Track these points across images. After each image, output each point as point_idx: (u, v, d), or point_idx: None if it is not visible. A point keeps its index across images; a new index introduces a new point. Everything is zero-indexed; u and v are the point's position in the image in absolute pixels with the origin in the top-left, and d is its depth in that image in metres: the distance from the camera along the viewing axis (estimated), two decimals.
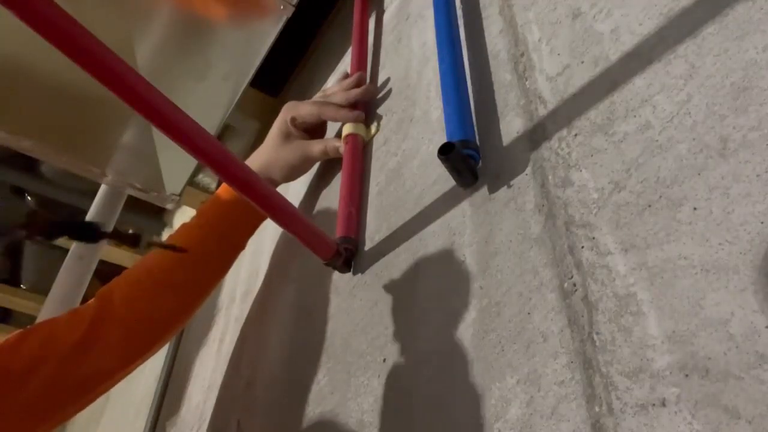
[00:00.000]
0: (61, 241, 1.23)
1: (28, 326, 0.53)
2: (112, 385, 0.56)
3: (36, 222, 0.38)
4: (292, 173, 0.65)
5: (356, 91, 0.63)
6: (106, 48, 0.31)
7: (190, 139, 0.37)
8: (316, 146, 0.63)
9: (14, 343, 0.50)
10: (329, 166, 0.67)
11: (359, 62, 0.68)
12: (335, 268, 0.51)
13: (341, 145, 0.60)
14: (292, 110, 0.64)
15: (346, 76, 0.68)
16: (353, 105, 0.63)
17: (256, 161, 0.65)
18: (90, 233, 0.39)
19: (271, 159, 0.64)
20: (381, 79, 0.65)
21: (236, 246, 0.63)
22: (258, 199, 0.43)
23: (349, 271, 0.50)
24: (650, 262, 0.26)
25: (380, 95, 0.63)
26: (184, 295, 0.59)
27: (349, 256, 0.50)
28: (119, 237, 0.49)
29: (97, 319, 0.54)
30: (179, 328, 0.61)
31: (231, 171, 0.40)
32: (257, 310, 0.69)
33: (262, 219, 0.63)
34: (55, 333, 0.52)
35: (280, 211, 0.45)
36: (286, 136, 0.64)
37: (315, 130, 0.66)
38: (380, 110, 0.61)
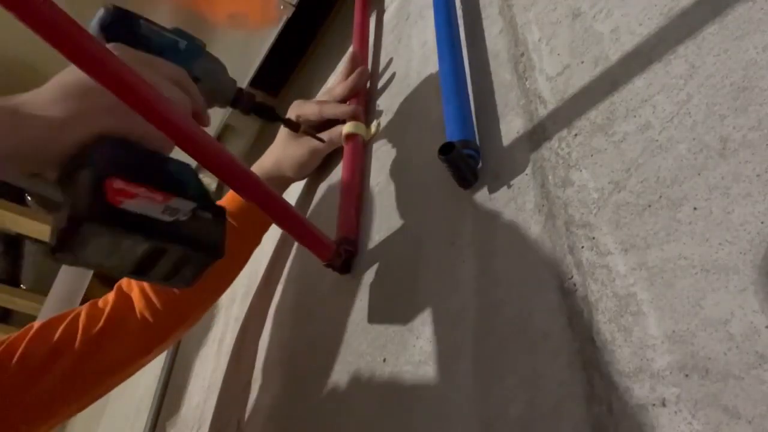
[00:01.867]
0: None
1: (50, 317, 0.55)
2: (127, 377, 0.58)
3: (243, 97, 0.52)
4: (302, 169, 0.66)
5: (352, 77, 0.64)
6: (106, 49, 0.31)
7: (188, 139, 0.37)
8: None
9: (35, 334, 0.52)
10: (329, 165, 0.67)
11: (361, 62, 0.68)
12: (334, 269, 0.50)
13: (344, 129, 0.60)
14: (297, 109, 0.66)
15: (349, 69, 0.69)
16: (354, 95, 0.64)
17: (267, 160, 0.66)
18: (272, 115, 0.55)
19: (281, 157, 0.65)
20: (381, 79, 0.65)
21: (251, 241, 0.64)
22: (257, 199, 0.43)
23: (349, 272, 0.50)
24: (650, 262, 0.26)
25: (380, 95, 0.63)
26: (201, 290, 0.60)
27: (348, 257, 0.50)
28: (288, 122, 0.59)
29: (115, 312, 0.56)
30: (194, 322, 0.63)
31: (229, 172, 0.40)
32: (257, 310, 0.69)
33: None
34: (75, 325, 0.54)
35: (278, 212, 0.45)
36: (293, 134, 0.65)
37: (322, 127, 0.66)
38: (380, 110, 0.61)
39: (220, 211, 0.37)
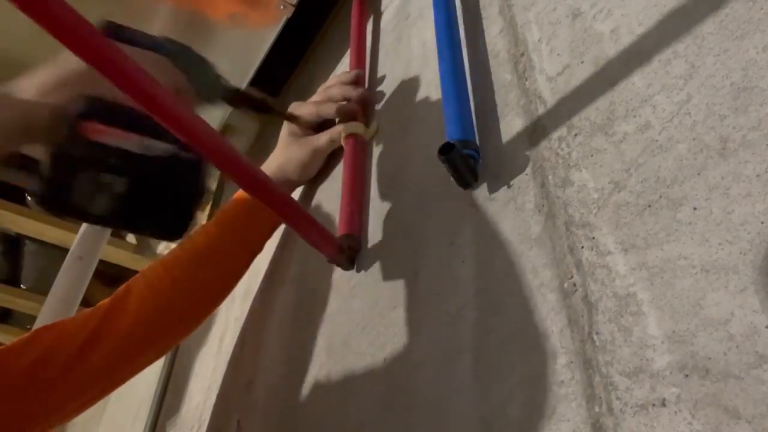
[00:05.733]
0: (61, 242, 1.23)
1: (47, 324, 0.54)
2: (118, 385, 0.57)
3: (237, 97, 0.57)
4: (306, 170, 0.66)
5: (353, 94, 0.63)
6: (114, 44, 0.31)
7: (193, 133, 0.36)
8: (322, 137, 0.64)
9: (26, 341, 0.51)
10: (329, 166, 0.67)
11: (358, 64, 0.68)
12: (339, 265, 0.50)
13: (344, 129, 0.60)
14: (294, 111, 0.65)
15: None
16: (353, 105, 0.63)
17: (270, 165, 0.66)
18: (264, 107, 0.60)
19: (284, 160, 0.65)
20: (381, 79, 0.65)
21: (253, 247, 0.64)
22: (262, 195, 0.43)
23: (353, 268, 0.50)
24: (650, 262, 0.26)
25: (380, 95, 0.63)
26: (201, 295, 0.60)
27: (352, 253, 0.50)
28: (286, 115, 0.65)
29: (108, 316, 0.55)
30: (194, 328, 0.62)
31: (236, 167, 0.40)
32: (257, 309, 0.69)
33: (279, 222, 0.64)
34: (67, 330, 0.53)
35: (284, 207, 0.45)
36: (294, 136, 0.66)
37: (321, 127, 0.66)
38: (380, 110, 0.61)
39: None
